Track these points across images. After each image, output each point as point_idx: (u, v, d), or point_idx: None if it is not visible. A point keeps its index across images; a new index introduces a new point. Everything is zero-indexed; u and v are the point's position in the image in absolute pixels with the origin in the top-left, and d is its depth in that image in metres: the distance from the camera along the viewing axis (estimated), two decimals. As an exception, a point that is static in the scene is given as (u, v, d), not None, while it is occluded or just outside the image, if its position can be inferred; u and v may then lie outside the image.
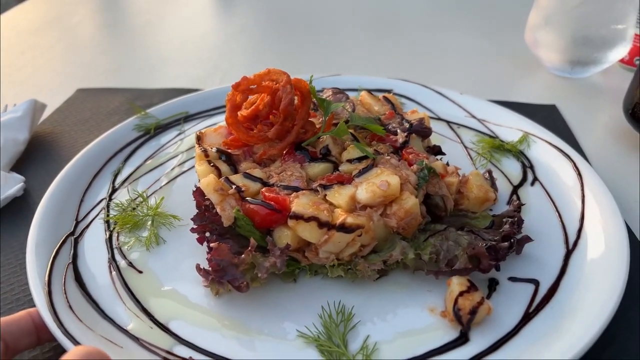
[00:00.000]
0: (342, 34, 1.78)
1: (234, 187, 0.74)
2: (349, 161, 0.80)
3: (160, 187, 0.94)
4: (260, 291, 0.72)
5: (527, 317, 0.68)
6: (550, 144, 0.99)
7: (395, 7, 2.03)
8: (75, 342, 0.61)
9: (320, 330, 0.67)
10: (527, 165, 0.97)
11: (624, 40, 1.27)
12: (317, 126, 0.86)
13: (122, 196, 0.92)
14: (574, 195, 0.88)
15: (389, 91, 1.20)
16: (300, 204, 0.70)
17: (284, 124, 0.80)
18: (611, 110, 1.23)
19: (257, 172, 0.79)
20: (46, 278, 0.71)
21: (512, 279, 0.74)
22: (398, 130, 0.87)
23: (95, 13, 2.09)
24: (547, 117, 1.19)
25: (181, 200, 0.89)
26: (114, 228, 0.84)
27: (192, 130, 1.11)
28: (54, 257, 0.75)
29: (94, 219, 0.86)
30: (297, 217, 0.69)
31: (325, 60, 1.58)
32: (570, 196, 0.88)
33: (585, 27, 1.27)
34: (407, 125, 0.88)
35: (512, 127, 1.06)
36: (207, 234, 0.75)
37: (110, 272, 0.76)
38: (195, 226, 0.75)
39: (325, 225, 0.69)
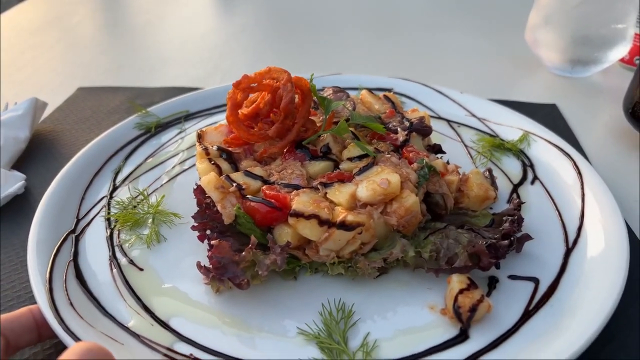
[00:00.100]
0: (342, 33, 1.78)
1: (234, 185, 0.74)
2: (350, 159, 0.80)
3: (161, 185, 0.94)
4: (261, 289, 0.72)
5: (526, 315, 0.68)
6: (551, 142, 0.99)
7: (396, 7, 2.03)
8: (76, 339, 0.61)
9: (320, 327, 0.67)
10: (527, 164, 0.98)
11: (624, 40, 1.27)
12: (318, 124, 0.86)
13: (123, 194, 0.92)
14: (574, 193, 0.88)
15: (389, 90, 1.20)
16: (300, 201, 0.71)
17: (284, 122, 0.80)
18: (611, 109, 1.23)
19: (258, 170, 0.79)
20: (47, 275, 0.71)
21: (512, 277, 0.74)
22: (398, 129, 0.87)
23: (96, 13, 2.09)
24: (548, 116, 1.19)
25: (182, 198, 0.89)
26: (114, 226, 0.84)
27: (192, 128, 1.11)
28: (55, 255, 0.75)
29: (94, 216, 0.86)
30: (298, 214, 0.69)
31: (325, 60, 1.58)
32: (570, 195, 0.88)
33: (586, 26, 1.27)
34: (407, 123, 0.88)
35: (512, 126, 1.07)
36: (208, 232, 0.75)
37: (111, 270, 0.76)
38: (196, 224, 0.75)
39: (326, 223, 0.69)
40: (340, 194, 0.73)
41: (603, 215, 0.81)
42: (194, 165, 0.94)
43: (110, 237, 0.82)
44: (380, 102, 0.97)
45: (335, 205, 0.72)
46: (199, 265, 0.70)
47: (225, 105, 0.90)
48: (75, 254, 0.78)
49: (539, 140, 1.01)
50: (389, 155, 0.80)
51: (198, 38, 1.75)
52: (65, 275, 0.73)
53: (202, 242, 0.76)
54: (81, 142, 1.09)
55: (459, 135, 1.08)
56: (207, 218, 0.75)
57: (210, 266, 0.69)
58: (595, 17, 1.25)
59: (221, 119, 1.10)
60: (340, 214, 0.70)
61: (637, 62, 1.37)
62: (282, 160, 0.82)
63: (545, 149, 0.99)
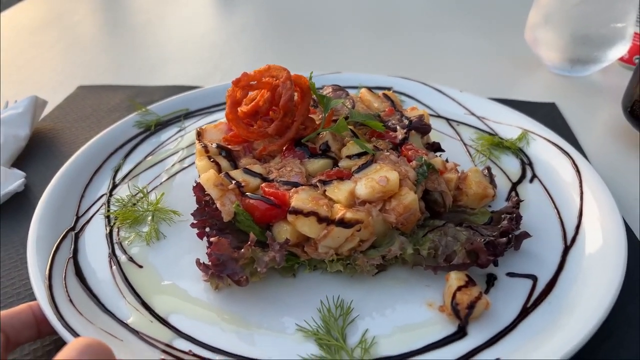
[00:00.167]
0: (342, 33, 1.78)
1: (233, 182, 0.75)
2: (349, 157, 0.80)
3: (161, 183, 0.95)
4: (260, 286, 0.73)
5: (524, 312, 0.68)
6: (549, 141, 0.99)
7: (396, 6, 2.03)
8: (76, 335, 0.61)
9: (319, 324, 0.67)
10: (526, 163, 0.98)
11: (624, 39, 1.27)
12: (317, 122, 0.86)
13: (122, 192, 0.92)
14: (572, 192, 0.88)
15: (389, 89, 1.20)
16: (299, 199, 0.71)
17: (283, 120, 0.80)
18: (610, 108, 1.23)
19: (257, 167, 0.79)
20: (47, 272, 0.71)
21: (511, 275, 0.74)
22: (397, 127, 0.87)
23: (96, 12, 2.09)
24: (547, 115, 1.20)
25: (181, 196, 0.90)
26: (114, 223, 0.84)
27: (192, 127, 1.11)
28: (55, 252, 0.76)
29: (94, 214, 0.86)
30: (297, 212, 0.70)
31: (325, 60, 1.58)
32: (569, 193, 0.89)
33: (585, 25, 1.27)
34: (406, 122, 0.89)
35: (511, 124, 1.07)
36: (207, 229, 0.75)
37: (111, 267, 0.76)
38: (195, 221, 0.75)
39: (325, 220, 0.69)
40: (339, 191, 0.73)
41: (601, 214, 0.81)
42: (194, 163, 0.94)
43: (110, 235, 0.82)
44: (380, 101, 0.97)
45: (334, 203, 0.72)
46: (198, 263, 0.71)
47: (224, 103, 0.90)
48: (75, 251, 0.78)
49: (538, 138, 1.01)
50: (388, 153, 0.80)
51: (198, 37, 1.75)
52: (65, 272, 0.73)
53: (202, 239, 0.76)
54: (81, 140, 1.10)
55: (458, 133, 1.08)
56: (206, 215, 0.75)
57: (210, 263, 0.69)
58: (595, 16, 1.26)
59: (221, 117, 1.10)
60: (339, 212, 0.70)
61: (637, 61, 1.38)
62: (281, 157, 0.82)
63: (544, 148, 0.99)
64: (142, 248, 0.80)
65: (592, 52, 1.30)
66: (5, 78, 1.45)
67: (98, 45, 1.72)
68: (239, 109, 0.82)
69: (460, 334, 0.66)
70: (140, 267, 0.77)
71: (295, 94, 0.82)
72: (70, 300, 0.68)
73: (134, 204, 0.88)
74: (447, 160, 0.87)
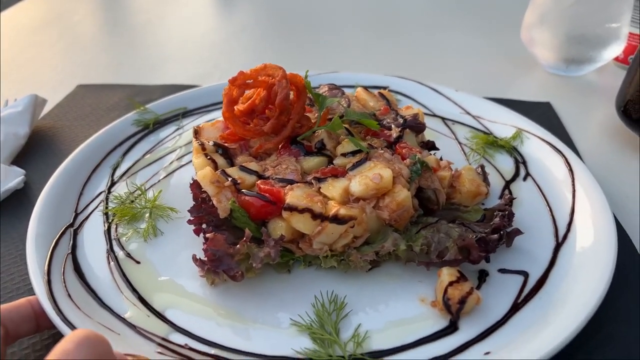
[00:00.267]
0: (341, 33, 1.80)
1: (230, 179, 0.76)
2: (344, 155, 0.81)
3: (159, 181, 0.96)
4: (255, 281, 0.74)
5: (515, 307, 0.70)
6: (543, 140, 1.01)
7: (394, 7, 2.04)
8: (74, 329, 0.62)
9: (313, 319, 0.68)
10: (520, 161, 0.99)
11: (619, 39, 1.28)
12: (313, 121, 0.87)
13: (120, 189, 0.93)
14: (565, 190, 0.90)
15: (385, 88, 1.21)
16: (294, 196, 0.72)
17: (279, 118, 0.82)
18: (605, 108, 1.24)
19: (253, 165, 0.80)
20: (46, 268, 0.72)
21: (502, 271, 0.75)
22: (392, 126, 0.88)
23: (96, 11, 2.10)
24: (542, 114, 1.21)
25: (179, 193, 0.91)
26: (112, 220, 0.85)
27: (190, 125, 1.13)
28: (54, 248, 0.77)
29: (93, 211, 0.88)
30: (292, 208, 0.71)
31: (324, 59, 1.59)
32: (562, 191, 0.90)
33: (580, 25, 1.28)
34: (401, 120, 0.90)
35: (506, 123, 1.08)
36: (204, 226, 0.76)
37: (109, 263, 0.78)
38: (192, 218, 0.76)
39: (319, 217, 0.71)
40: (333, 188, 0.74)
41: (593, 211, 0.82)
42: (191, 161, 0.95)
43: (108, 231, 0.83)
44: (375, 100, 0.98)
45: (329, 200, 0.73)
46: (194, 258, 0.72)
47: (222, 102, 0.91)
48: (74, 247, 0.79)
49: (532, 137, 1.03)
50: (382, 151, 0.81)
51: (198, 37, 1.76)
52: (64, 268, 0.74)
53: (198, 235, 0.77)
54: (80, 139, 1.11)
55: (453, 132, 1.09)
56: (203, 212, 0.76)
57: (206, 259, 0.70)
58: (590, 16, 1.27)
59: (219, 115, 1.11)
60: (333, 208, 0.71)
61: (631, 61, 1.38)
62: (277, 155, 0.83)
63: (538, 146, 1.00)
64: (139, 244, 0.81)
65: (587, 52, 1.31)
66: (6, 77, 1.46)
67: (98, 45, 1.73)
68: (235, 107, 0.83)
69: (451, 328, 0.67)
70: (138, 263, 0.78)
71: (291, 92, 0.84)
72: (69, 295, 0.69)
73: (132, 201, 0.89)
74: (441, 159, 0.89)
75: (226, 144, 0.85)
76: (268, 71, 0.82)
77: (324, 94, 0.98)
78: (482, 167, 0.90)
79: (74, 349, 0.48)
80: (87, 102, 1.29)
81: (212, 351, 0.64)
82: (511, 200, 0.83)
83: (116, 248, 0.80)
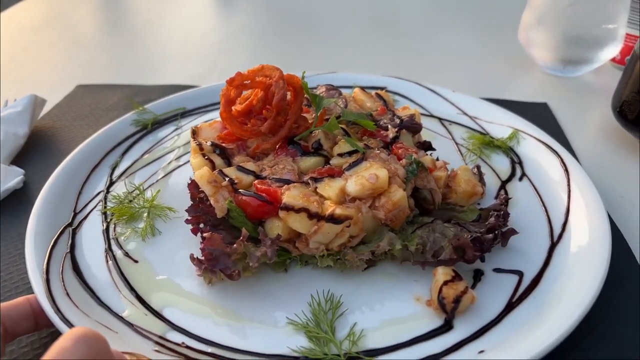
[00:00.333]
0: (341, 33, 1.80)
1: (227, 179, 0.76)
2: (340, 155, 0.82)
3: (157, 181, 0.96)
4: (253, 281, 0.74)
5: (510, 306, 0.70)
6: (539, 140, 1.01)
7: (393, 7, 2.05)
8: (72, 327, 0.63)
9: (309, 317, 0.69)
10: (516, 161, 1.00)
11: (615, 40, 1.29)
12: (310, 121, 0.88)
13: (119, 189, 0.94)
14: (560, 190, 0.90)
15: (383, 88, 1.22)
16: (291, 195, 0.73)
17: (276, 118, 0.82)
18: (602, 108, 1.25)
19: (250, 165, 0.81)
20: (44, 266, 0.73)
21: (497, 270, 0.76)
22: (389, 126, 0.89)
23: (96, 11, 2.11)
24: (539, 115, 1.21)
25: (177, 193, 0.92)
26: (110, 219, 0.86)
27: (189, 125, 1.13)
28: (52, 247, 0.78)
29: (91, 210, 0.88)
30: (288, 208, 0.71)
31: (324, 59, 1.60)
32: (557, 191, 0.90)
33: (577, 26, 1.29)
34: (397, 121, 0.90)
35: (502, 124, 1.08)
36: (201, 225, 0.77)
37: (107, 262, 0.78)
38: (189, 217, 0.77)
39: (315, 217, 0.71)
40: (329, 188, 0.75)
41: (588, 212, 0.83)
42: (189, 161, 0.95)
43: (107, 231, 0.84)
44: (372, 100, 0.99)
45: (325, 200, 0.74)
46: (192, 257, 0.72)
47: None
48: (72, 247, 0.80)
49: (528, 138, 1.03)
50: (379, 152, 0.81)
51: (198, 37, 1.77)
52: (62, 267, 0.75)
53: (196, 235, 0.78)
54: (79, 139, 1.11)
55: (450, 132, 1.10)
56: (200, 212, 0.76)
57: (203, 258, 0.71)
58: (587, 17, 1.27)
59: (217, 116, 1.11)
60: (329, 208, 0.72)
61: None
62: (274, 155, 0.84)
63: (534, 147, 1.01)
64: (137, 244, 0.82)
65: (584, 53, 1.31)
66: (5, 77, 1.46)
67: (98, 45, 1.73)
68: (233, 107, 0.84)
69: (446, 327, 0.68)
70: (136, 262, 0.78)
71: (288, 93, 0.84)
72: (67, 294, 0.70)
73: (131, 201, 0.90)
74: (437, 159, 0.89)
75: (224, 144, 0.85)
76: (265, 72, 0.83)
77: (321, 94, 0.99)
78: (478, 167, 0.91)
79: (72, 346, 0.49)
80: (86, 102, 1.29)
81: (209, 349, 0.65)
82: (506, 200, 0.84)
83: (114, 247, 0.81)
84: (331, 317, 0.68)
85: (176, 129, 1.12)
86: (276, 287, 0.74)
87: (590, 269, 0.72)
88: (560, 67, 1.38)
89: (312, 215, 0.71)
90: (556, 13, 1.29)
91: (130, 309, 0.70)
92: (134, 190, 0.93)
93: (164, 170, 0.99)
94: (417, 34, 1.78)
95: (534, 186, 0.93)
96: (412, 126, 0.90)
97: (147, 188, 0.94)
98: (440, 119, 1.14)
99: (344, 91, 1.04)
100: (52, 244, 0.78)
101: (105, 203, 0.90)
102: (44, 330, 0.69)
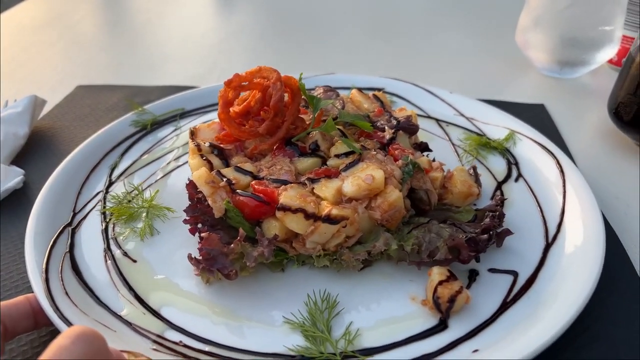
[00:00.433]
0: (340, 34, 1.81)
1: (224, 179, 0.77)
2: (337, 156, 0.83)
3: (156, 181, 0.97)
4: (249, 280, 0.75)
5: (504, 306, 0.71)
6: (535, 141, 1.02)
7: (392, 9, 2.06)
8: (71, 326, 0.63)
9: (305, 316, 0.69)
10: (512, 162, 1.00)
11: (612, 42, 1.30)
12: (307, 122, 0.89)
13: (118, 189, 0.95)
14: (555, 191, 0.91)
15: (380, 89, 1.22)
16: (288, 196, 0.73)
17: (274, 120, 0.83)
18: (598, 110, 1.25)
19: (248, 166, 0.82)
20: (44, 266, 0.74)
21: (492, 270, 0.77)
22: (386, 127, 0.90)
23: (96, 11, 2.11)
24: (536, 116, 1.22)
25: (175, 193, 0.92)
26: (110, 219, 0.87)
27: (188, 126, 1.14)
28: (52, 247, 0.78)
29: (90, 210, 0.89)
30: (285, 208, 0.72)
31: (323, 60, 1.60)
32: (553, 192, 0.91)
33: (574, 28, 1.30)
34: (394, 122, 0.91)
35: (499, 125, 1.09)
36: (199, 225, 0.78)
37: (106, 261, 0.79)
38: (187, 217, 0.78)
39: (312, 217, 0.72)
40: (326, 189, 0.75)
41: (583, 213, 0.84)
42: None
43: (106, 230, 0.85)
44: (370, 101, 1.00)
45: (322, 200, 0.75)
46: (189, 257, 0.73)
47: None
48: (72, 246, 0.81)
49: (524, 139, 1.04)
50: (375, 152, 0.82)
51: (198, 37, 1.78)
52: (61, 266, 0.76)
53: (194, 235, 0.79)
54: (79, 139, 1.12)
55: (447, 134, 1.11)
56: (198, 212, 0.77)
57: (201, 258, 0.71)
58: (584, 19, 1.28)
59: (215, 117, 1.12)
60: (326, 208, 0.72)
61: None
62: (271, 156, 0.84)
63: (530, 148, 1.02)
64: (136, 243, 0.82)
65: (580, 55, 1.32)
66: (5, 77, 1.47)
67: (98, 45, 1.74)
68: (231, 109, 0.85)
69: (441, 326, 0.68)
70: (135, 261, 0.79)
71: (286, 94, 0.85)
72: (66, 293, 0.70)
73: (129, 201, 0.90)
74: (434, 160, 0.90)
75: (222, 145, 0.86)
76: (263, 73, 0.83)
77: (319, 95, 1.00)
78: (474, 168, 0.92)
79: (71, 344, 0.50)
80: (86, 103, 1.30)
81: (207, 348, 0.66)
82: (502, 201, 0.84)
83: (113, 247, 0.82)
84: (327, 317, 0.69)
85: (175, 130, 1.13)
86: (273, 287, 0.75)
87: (585, 269, 0.73)
88: (557, 69, 1.39)
89: (308, 216, 0.72)
90: (553, 15, 1.30)
91: (128, 308, 0.71)
92: (133, 191, 0.94)
93: (163, 170, 1.00)
94: (415, 35, 1.79)
95: (529, 187, 0.94)
96: (408, 127, 0.90)
97: (146, 188, 0.95)
98: (437, 120, 1.15)
99: (342, 92, 1.05)
100: (51, 243, 0.79)
101: (105, 203, 0.91)
102: (43, 329, 0.69)
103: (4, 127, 1.06)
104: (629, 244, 0.84)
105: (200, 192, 0.77)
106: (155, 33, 1.85)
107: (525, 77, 1.44)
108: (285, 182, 0.77)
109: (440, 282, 0.69)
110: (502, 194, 0.92)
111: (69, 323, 0.64)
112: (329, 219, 0.71)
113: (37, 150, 1.11)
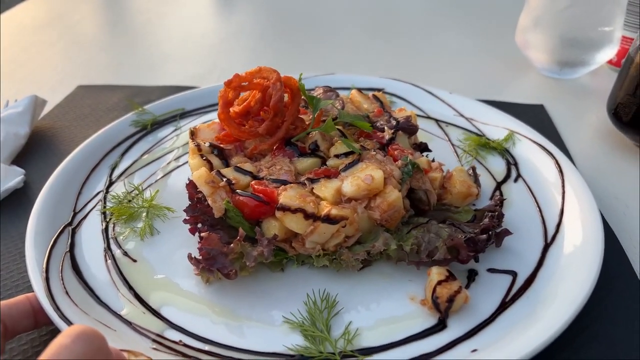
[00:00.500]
0: (340, 34, 1.81)
1: (224, 179, 0.77)
2: (336, 156, 0.83)
3: (156, 181, 0.97)
4: (249, 280, 0.75)
5: (503, 306, 0.71)
6: (534, 142, 1.02)
7: (392, 9, 2.06)
8: (71, 325, 0.64)
9: (305, 316, 0.70)
10: (512, 163, 1.01)
11: (611, 42, 1.30)
12: (307, 123, 0.89)
13: (118, 189, 0.95)
14: (554, 191, 0.91)
15: (380, 90, 1.23)
16: (287, 196, 0.74)
17: (274, 120, 0.83)
18: (598, 110, 1.26)
19: (248, 166, 0.82)
20: (44, 265, 0.74)
21: (491, 270, 0.77)
22: (385, 128, 0.90)
23: (97, 11, 2.12)
24: (535, 116, 1.22)
25: (175, 193, 0.92)
26: (110, 219, 0.87)
27: (188, 126, 1.14)
28: (52, 246, 0.79)
29: (91, 210, 0.89)
30: (285, 208, 0.72)
31: (323, 60, 1.61)
32: (552, 192, 0.91)
33: (574, 29, 1.30)
34: (394, 122, 0.91)
35: (498, 125, 1.09)
36: (199, 225, 0.78)
37: (106, 261, 0.79)
38: (187, 217, 0.78)
39: (311, 217, 0.72)
40: (326, 189, 0.76)
41: (581, 213, 0.84)
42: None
43: (106, 230, 0.85)
44: (369, 102, 1.00)
45: (321, 200, 0.75)
46: (189, 257, 0.73)
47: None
48: (72, 246, 0.81)
49: (523, 139, 1.04)
50: (374, 153, 0.82)
51: (198, 37, 1.78)
52: (62, 266, 0.76)
53: (194, 235, 0.79)
54: (79, 139, 1.12)
55: (446, 134, 1.11)
56: (198, 212, 0.77)
57: (201, 257, 0.72)
58: (584, 19, 1.28)
59: (216, 117, 1.12)
60: (325, 208, 0.72)
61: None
62: (271, 156, 0.85)
63: (529, 148, 1.02)
64: (136, 243, 0.83)
65: (580, 55, 1.32)
66: (6, 77, 1.47)
67: (98, 45, 1.74)
68: (230, 109, 0.85)
69: (440, 326, 0.69)
70: (135, 261, 0.79)
71: (286, 95, 0.85)
72: (67, 292, 0.71)
73: (130, 201, 0.91)
74: (433, 160, 0.90)
75: (222, 145, 0.86)
76: (263, 74, 0.84)
77: (318, 96, 1.00)
78: (474, 168, 0.92)
79: (71, 343, 0.50)
80: (87, 103, 1.30)
81: (206, 347, 0.66)
82: (501, 201, 0.85)
83: (113, 247, 0.82)
84: (327, 316, 0.69)
85: (175, 130, 1.13)
86: (273, 287, 0.75)
87: (583, 269, 0.73)
88: (557, 69, 1.39)
89: (308, 216, 0.72)
90: (553, 15, 1.30)
91: (128, 308, 0.71)
92: (133, 190, 0.94)
93: (163, 170, 1.00)
94: (415, 35, 1.79)
95: (529, 187, 0.94)
96: (408, 128, 0.91)
97: (146, 188, 0.95)
98: (436, 121, 1.15)
99: (342, 92, 1.05)
100: (51, 243, 0.79)
101: (105, 203, 0.91)
102: (43, 328, 0.70)
103: (4, 127, 1.07)
104: (628, 244, 0.85)
105: (200, 192, 0.77)
106: (155, 33, 1.85)
107: (525, 78, 1.45)
108: (284, 182, 0.77)
109: (439, 282, 0.69)
110: (501, 194, 0.93)
111: (69, 322, 0.64)
112: (329, 219, 0.71)
113: (37, 150, 1.11)
